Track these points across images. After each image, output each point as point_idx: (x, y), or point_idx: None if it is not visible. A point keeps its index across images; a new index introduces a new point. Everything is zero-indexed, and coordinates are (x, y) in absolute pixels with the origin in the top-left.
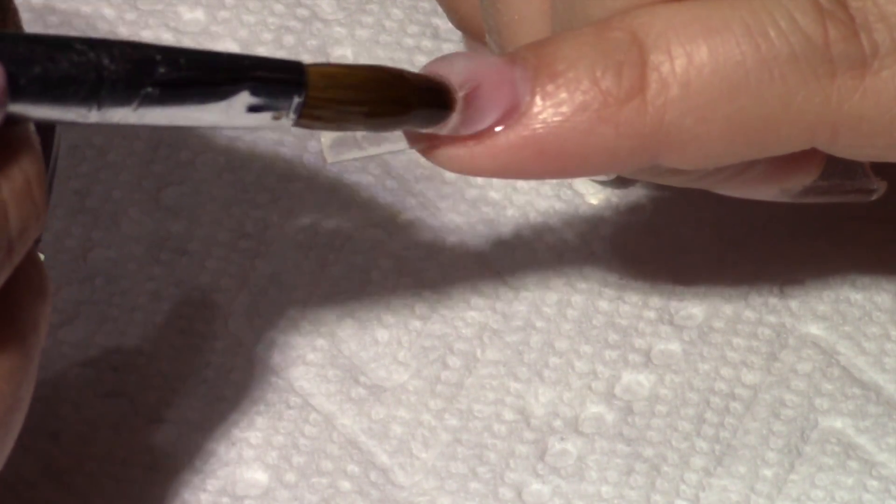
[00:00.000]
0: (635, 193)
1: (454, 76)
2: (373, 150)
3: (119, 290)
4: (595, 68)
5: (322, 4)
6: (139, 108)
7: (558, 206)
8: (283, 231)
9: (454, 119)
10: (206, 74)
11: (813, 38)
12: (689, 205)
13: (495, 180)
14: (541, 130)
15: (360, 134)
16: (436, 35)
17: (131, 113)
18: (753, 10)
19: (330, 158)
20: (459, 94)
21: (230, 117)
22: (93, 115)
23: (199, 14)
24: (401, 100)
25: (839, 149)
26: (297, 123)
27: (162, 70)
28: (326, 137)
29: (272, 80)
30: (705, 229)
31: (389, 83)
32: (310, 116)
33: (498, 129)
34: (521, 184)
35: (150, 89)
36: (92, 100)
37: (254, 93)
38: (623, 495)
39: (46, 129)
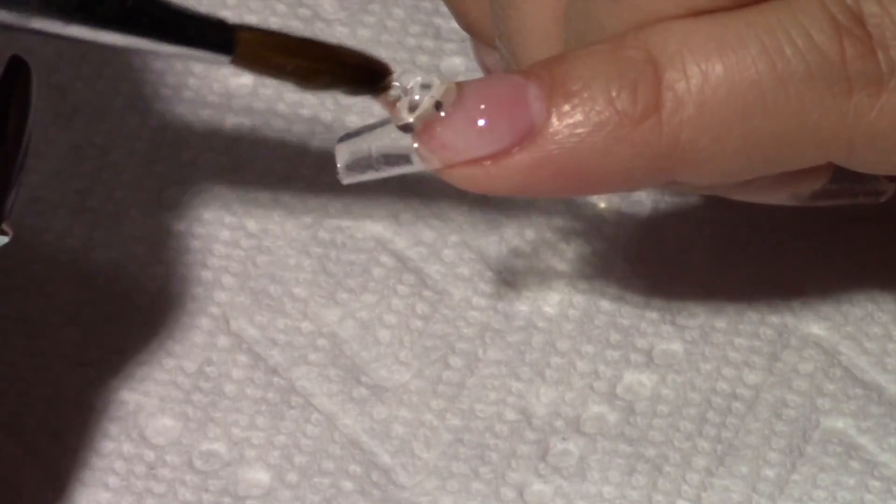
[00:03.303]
0: (637, 194)
1: (467, 98)
2: (388, 172)
3: (120, 290)
4: (610, 88)
5: (324, 4)
6: (71, 25)
7: (560, 205)
8: (284, 230)
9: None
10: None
11: (829, 56)
12: (691, 205)
13: None
14: (556, 151)
15: (375, 156)
16: (438, 35)
17: (64, 26)
18: (769, 27)
19: (345, 180)
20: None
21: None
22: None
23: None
24: (327, 72)
25: (855, 164)
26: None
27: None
28: (341, 159)
29: (202, 41)
30: (707, 229)
31: (318, 57)
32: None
33: (514, 149)
34: None
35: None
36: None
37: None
38: (625, 495)
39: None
